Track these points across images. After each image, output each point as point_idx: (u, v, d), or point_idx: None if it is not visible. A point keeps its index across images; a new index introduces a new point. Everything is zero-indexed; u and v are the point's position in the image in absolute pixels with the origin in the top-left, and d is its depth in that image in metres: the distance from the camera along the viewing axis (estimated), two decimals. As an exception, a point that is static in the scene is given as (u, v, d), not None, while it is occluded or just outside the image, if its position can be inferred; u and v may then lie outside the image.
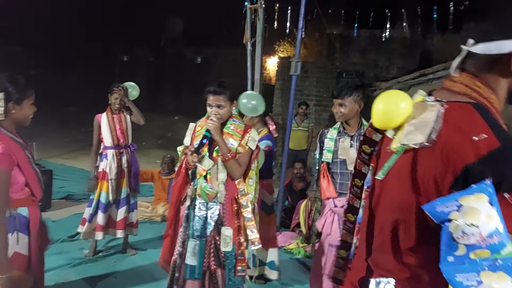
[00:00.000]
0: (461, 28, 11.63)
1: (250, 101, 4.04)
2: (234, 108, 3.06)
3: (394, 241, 1.29)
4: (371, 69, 11.36)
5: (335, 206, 3.37)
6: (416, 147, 1.24)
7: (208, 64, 17.78)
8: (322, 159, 3.47)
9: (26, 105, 2.60)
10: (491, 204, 1.05)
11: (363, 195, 1.54)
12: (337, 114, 3.34)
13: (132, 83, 5.18)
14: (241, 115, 3.98)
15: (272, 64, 18.58)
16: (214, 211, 2.99)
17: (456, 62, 1.34)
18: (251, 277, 4.31)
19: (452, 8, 10.48)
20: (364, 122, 3.39)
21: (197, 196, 3.04)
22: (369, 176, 1.51)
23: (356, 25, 12.01)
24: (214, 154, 2.99)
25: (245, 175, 3.07)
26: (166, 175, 6.85)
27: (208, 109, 2.98)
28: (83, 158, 10.07)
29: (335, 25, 12.62)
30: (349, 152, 3.31)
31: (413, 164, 1.25)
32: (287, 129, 5.85)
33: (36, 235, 2.68)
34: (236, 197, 3.03)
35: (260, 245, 3.08)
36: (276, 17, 9.49)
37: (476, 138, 1.14)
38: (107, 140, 4.77)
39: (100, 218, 4.75)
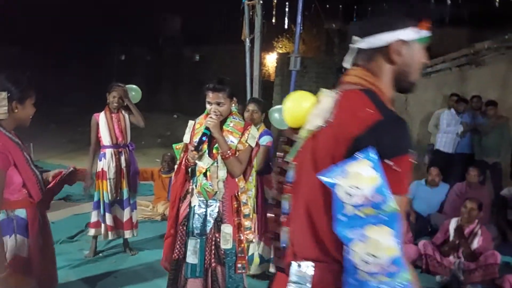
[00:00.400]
0: (458, 20, 11.59)
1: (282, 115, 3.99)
2: (233, 105, 3.03)
3: (310, 224, 1.36)
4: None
5: None
6: (316, 129, 1.40)
7: (207, 62, 17.73)
8: None
9: (28, 104, 2.59)
10: (374, 168, 1.17)
11: (287, 189, 1.64)
12: None
13: (134, 86, 5.12)
14: (240, 112, 3.94)
15: (271, 60, 18.53)
16: (214, 208, 2.97)
17: (349, 58, 1.50)
18: (253, 276, 4.28)
19: (450, 1, 10.43)
20: None
21: (196, 194, 3.01)
22: (291, 173, 1.60)
23: (354, 19, 11.95)
24: (214, 152, 2.95)
25: (245, 173, 3.04)
26: (166, 173, 6.80)
27: (208, 106, 2.94)
28: (81, 158, 10.02)
29: (333, 20, 12.57)
30: None
31: (314, 147, 1.39)
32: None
33: (36, 237, 2.65)
34: (236, 194, 3.00)
35: (255, 239, 3.08)
36: (274, 13, 9.45)
37: (362, 114, 1.29)
38: (105, 139, 4.73)
39: (108, 219, 4.73)
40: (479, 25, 11.15)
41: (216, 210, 2.96)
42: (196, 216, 2.99)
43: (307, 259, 1.33)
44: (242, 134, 2.97)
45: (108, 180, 4.71)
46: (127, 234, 4.86)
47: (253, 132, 3.02)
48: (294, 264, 1.34)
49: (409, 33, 1.43)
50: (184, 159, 3.06)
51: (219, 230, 2.95)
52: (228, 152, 2.88)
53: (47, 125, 13.88)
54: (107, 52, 19.41)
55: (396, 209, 1.16)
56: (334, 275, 1.26)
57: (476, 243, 4.79)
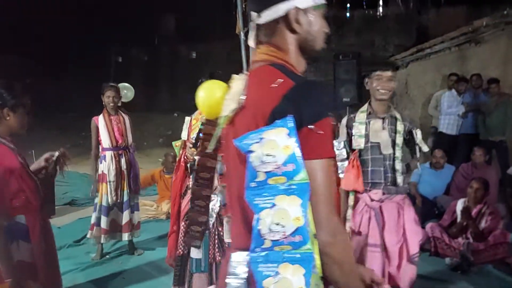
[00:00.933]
0: (456, 1, 11.48)
1: None
2: None
3: (242, 213, 1.33)
4: (368, 49, 11.24)
5: (372, 200, 3.10)
6: (232, 114, 1.38)
7: (203, 58, 17.66)
8: (353, 147, 3.16)
9: (21, 113, 2.58)
10: (289, 136, 1.17)
11: (219, 181, 1.69)
12: (385, 90, 3.06)
13: (126, 84, 5.09)
14: None
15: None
16: (216, 202, 2.93)
17: (252, 37, 1.47)
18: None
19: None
20: (391, 104, 3.17)
21: None
22: (220, 165, 1.61)
23: (348, 5, 11.86)
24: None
25: None
26: (169, 173, 6.77)
27: None
28: (85, 163, 10.00)
29: (327, 7, 12.49)
30: (382, 135, 3.06)
31: (235, 131, 1.36)
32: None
33: (38, 242, 2.64)
34: None
35: None
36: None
37: (275, 85, 1.28)
38: (105, 141, 4.71)
39: (103, 222, 4.70)
40: (477, 2, 11.03)
41: (218, 204, 2.93)
42: None
43: (242, 250, 1.29)
44: None
45: (108, 183, 4.69)
46: (125, 236, 4.85)
47: None
48: (232, 256, 1.31)
49: (303, 1, 1.41)
50: (183, 156, 3.04)
51: (221, 224, 2.93)
52: None
53: (50, 131, 13.87)
54: (105, 53, 19.38)
55: (306, 180, 1.16)
56: None
57: (484, 223, 4.75)
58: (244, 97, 1.35)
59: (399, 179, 3.03)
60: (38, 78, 15.59)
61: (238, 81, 1.42)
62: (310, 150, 1.20)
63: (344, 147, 3.27)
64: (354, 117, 3.21)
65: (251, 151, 1.19)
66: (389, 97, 3.12)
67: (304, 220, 1.16)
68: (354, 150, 3.17)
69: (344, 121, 3.31)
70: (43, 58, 17.34)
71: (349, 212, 3.16)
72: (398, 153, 3.03)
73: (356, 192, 3.15)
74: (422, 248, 5.09)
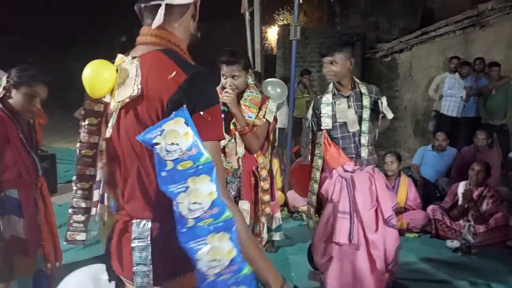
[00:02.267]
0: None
1: (276, 88, 3.89)
2: (249, 77, 2.91)
3: (142, 187, 1.46)
4: (372, 32, 11.16)
5: (345, 171, 3.25)
6: (128, 100, 1.43)
7: (208, 38, 17.58)
8: (322, 127, 3.31)
9: (23, 93, 2.61)
10: (186, 124, 1.28)
11: (99, 158, 1.78)
12: (329, 73, 3.21)
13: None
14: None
15: (272, 34, 18.33)
16: (232, 185, 2.89)
17: (158, 17, 1.46)
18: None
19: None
20: (357, 80, 3.28)
21: None
22: (101, 141, 1.69)
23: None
24: (231, 128, 2.84)
25: (263, 148, 2.97)
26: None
27: (222, 79, 2.83)
28: (87, 141, 10.04)
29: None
30: (348, 114, 3.21)
31: (132, 116, 1.43)
32: (291, 97, 5.75)
33: (31, 217, 2.67)
34: (254, 170, 2.95)
35: (270, 213, 3.05)
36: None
37: (170, 76, 1.37)
38: None
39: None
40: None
41: (235, 187, 2.89)
42: None
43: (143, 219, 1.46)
44: (260, 108, 2.87)
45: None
46: None
47: (271, 107, 2.91)
48: (134, 223, 1.45)
49: None
50: None
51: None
52: (246, 128, 2.78)
53: (52, 110, 13.87)
54: (108, 33, 19.30)
55: (210, 158, 1.29)
56: (169, 229, 1.35)
57: (485, 206, 4.77)
58: (140, 85, 1.41)
59: (364, 153, 3.18)
60: (39, 57, 15.57)
61: (129, 65, 1.46)
62: (203, 133, 1.32)
63: (309, 126, 3.42)
64: (321, 97, 3.33)
65: (156, 144, 1.29)
66: (336, 79, 3.21)
67: (216, 193, 1.29)
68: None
69: (314, 101, 3.45)
70: (45, 37, 17.30)
71: (317, 174, 3.36)
72: (365, 128, 3.17)
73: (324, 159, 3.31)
74: (424, 231, 5.15)
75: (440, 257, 4.54)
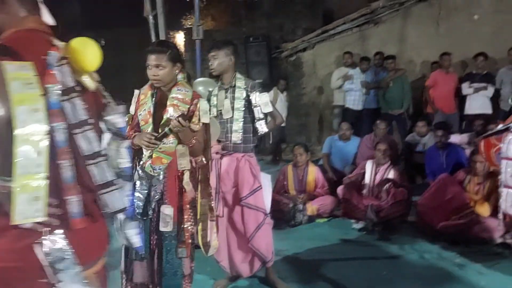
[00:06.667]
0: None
1: (208, 88, 3.87)
2: (177, 72, 2.76)
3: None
4: (277, 33, 11.52)
5: (216, 153, 3.56)
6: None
7: (112, 46, 17.16)
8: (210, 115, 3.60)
9: None
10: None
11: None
12: (211, 67, 3.52)
13: None
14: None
15: (181, 38, 18.23)
16: (156, 189, 2.77)
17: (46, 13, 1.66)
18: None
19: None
20: (238, 76, 3.54)
21: (139, 174, 2.78)
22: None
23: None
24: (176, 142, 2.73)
25: (205, 150, 2.88)
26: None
27: (148, 71, 2.71)
28: None
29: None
30: (224, 103, 3.51)
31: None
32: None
33: None
34: (179, 174, 2.79)
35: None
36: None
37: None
38: None
39: None
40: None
41: (159, 190, 2.76)
42: (139, 196, 2.76)
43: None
44: (189, 109, 2.72)
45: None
46: None
47: (203, 107, 2.80)
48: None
49: None
50: (132, 138, 2.75)
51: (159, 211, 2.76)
52: (193, 140, 2.70)
53: None
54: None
55: None
56: None
57: (391, 176, 5.24)
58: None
59: (234, 137, 3.48)
60: None
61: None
62: None
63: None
64: (212, 91, 3.68)
65: None
66: (218, 72, 3.51)
67: None
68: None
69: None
70: None
71: None
72: (237, 115, 3.48)
73: None
74: (333, 215, 5.49)
75: (348, 237, 4.88)
